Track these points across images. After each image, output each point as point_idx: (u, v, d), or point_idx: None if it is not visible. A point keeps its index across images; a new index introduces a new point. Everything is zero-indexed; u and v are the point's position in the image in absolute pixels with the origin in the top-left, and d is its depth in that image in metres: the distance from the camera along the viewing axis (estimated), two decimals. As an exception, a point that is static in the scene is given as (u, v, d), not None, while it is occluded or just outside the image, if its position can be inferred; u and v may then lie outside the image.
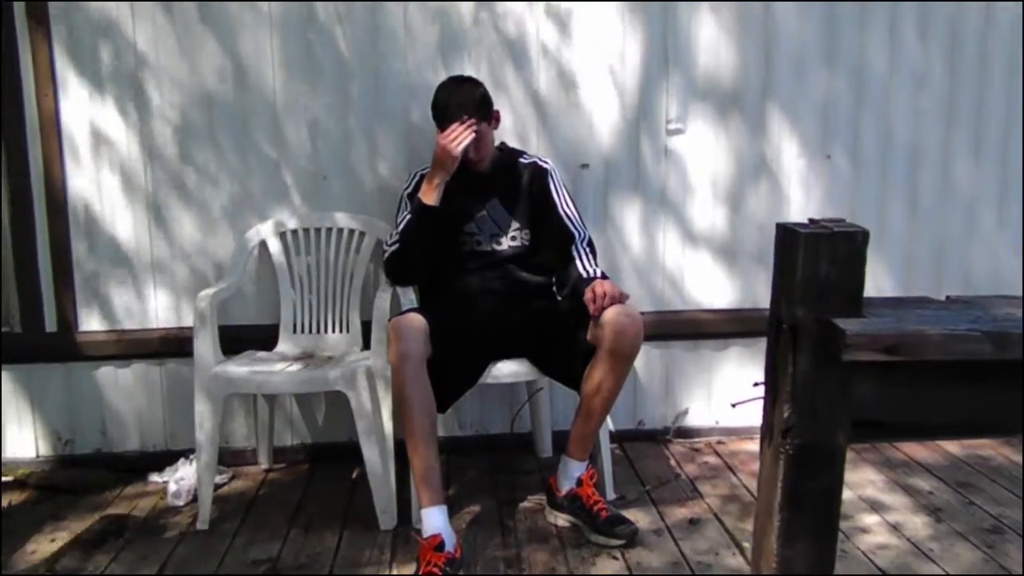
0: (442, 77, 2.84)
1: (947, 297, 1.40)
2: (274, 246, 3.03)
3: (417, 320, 2.46)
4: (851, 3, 3.09)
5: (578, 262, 2.67)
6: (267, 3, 2.95)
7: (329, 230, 3.05)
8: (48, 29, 2.92)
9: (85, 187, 3.02)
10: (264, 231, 3.03)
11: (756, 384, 1.40)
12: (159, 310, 3.10)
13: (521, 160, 2.82)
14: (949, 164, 3.22)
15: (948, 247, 3.26)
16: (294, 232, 3.04)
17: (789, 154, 3.18)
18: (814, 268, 1.25)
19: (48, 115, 2.96)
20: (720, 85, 3.12)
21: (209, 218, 3.06)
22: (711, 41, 3.10)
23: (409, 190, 2.75)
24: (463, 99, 2.63)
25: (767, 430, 1.37)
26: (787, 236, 1.30)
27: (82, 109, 2.98)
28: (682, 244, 3.20)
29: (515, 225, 2.73)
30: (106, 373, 3.11)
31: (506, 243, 2.72)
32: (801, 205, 3.20)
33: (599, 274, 2.64)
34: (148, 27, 2.95)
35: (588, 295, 2.48)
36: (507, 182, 2.76)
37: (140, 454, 3.14)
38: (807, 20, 3.10)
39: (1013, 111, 3.19)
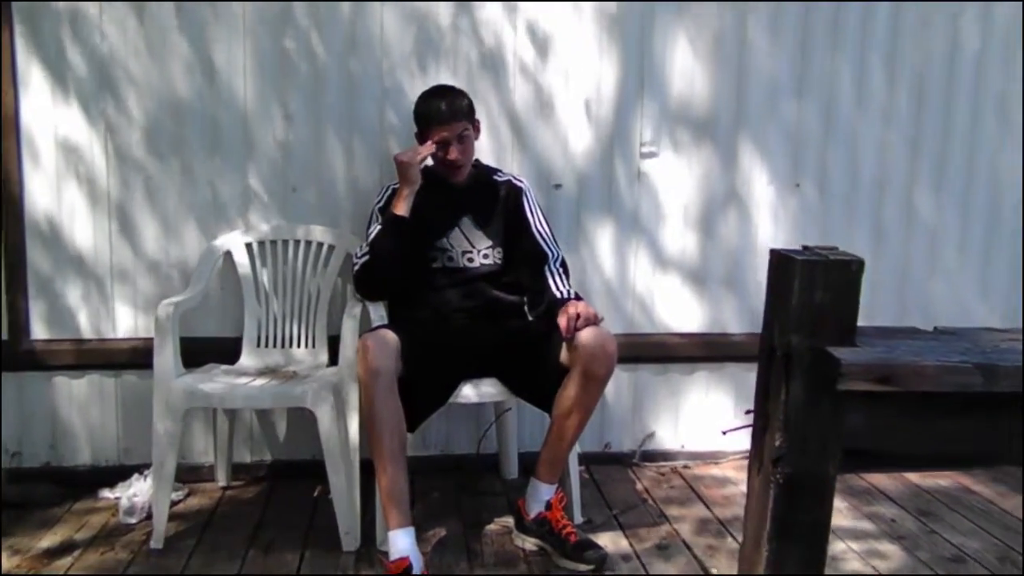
0: (419, 87, 2.81)
1: (935, 328, 1.41)
2: (240, 257, 2.96)
3: (389, 336, 2.42)
4: (823, 35, 3.13)
5: (551, 282, 2.66)
6: (240, 4, 2.90)
7: (297, 242, 2.99)
8: (11, 25, 2.83)
9: (44, 190, 2.92)
10: (230, 241, 2.97)
11: (748, 412, 1.39)
12: (118, 320, 3.00)
13: (495, 177, 2.80)
14: (913, 196, 3.28)
15: (911, 277, 3.31)
16: (261, 243, 2.98)
17: (759, 182, 3.21)
18: (809, 296, 1.25)
19: (7, 114, 2.87)
20: (693, 111, 3.14)
21: (174, 226, 2.98)
22: (686, 68, 3.12)
23: (380, 204, 2.71)
24: (457, 105, 2.64)
25: (756, 458, 1.36)
26: (782, 263, 1.30)
27: (44, 109, 2.89)
28: (653, 267, 3.21)
29: (487, 243, 2.71)
30: (59, 383, 3.00)
31: (478, 260, 2.69)
32: (770, 233, 3.23)
33: (572, 294, 2.62)
34: (117, 28, 2.88)
35: (561, 316, 2.46)
36: (481, 199, 2.74)
37: (91, 469, 3.03)
38: (780, 51, 3.14)
39: (977, 145, 3.26)
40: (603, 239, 3.17)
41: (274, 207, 3.02)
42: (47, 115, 2.89)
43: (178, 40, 2.91)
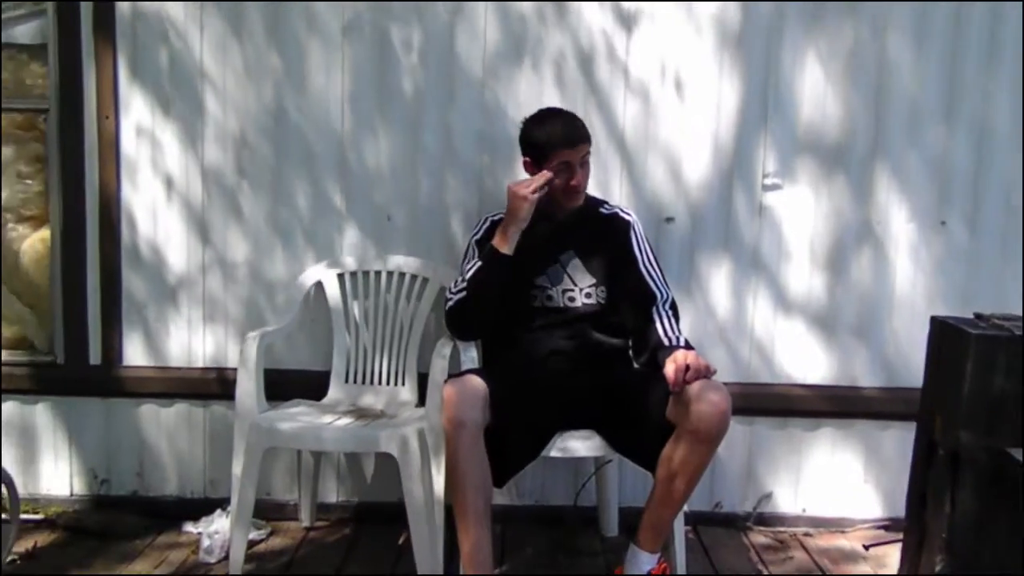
0: (522, 112, 2.62)
1: None
2: (331, 287, 2.83)
3: (476, 383, 2.22)
4: (975, 51, 2.78)
5: (658, 325, 2.41)
6: (339, 26, 2.79)
7: (390, 274, 2.84)
8: (114, 48, 2.81)
9: (140, 215, 2.88)
10: (321, 271, 2.85)
11: (868, 547, 1.10)
12: (207, 347, 2.93)
13: (602, 210, 2.58)
14: (1081, 237, 2.86)
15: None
16: (353, 274, 2.85)
17: (898, 219, 2.87)
18: (987, 381, 0.98)
19: (108, 138, 2.85)
20: (824, 139, 2.84)
21: (266, 253, 2.89)
22: (816, 91, 2.83)
23: (479, 236, 2.53)
24: (579, 125, 2.46)
25: (909, 579, 1.08)
26: (949, 336, 1.03)
27: (144, 134, 2.86)
28: (774, 311, 2.91)
29: (590, 281, 2.48)
30: (147, 411, 2.95)
31: (580, 300, 2.47)
32: (909, 276, 2.88)
33: (682, 342, 2.36)
34: (216, 50, 2.82)
35: (669, 367, 2.21)
36: (585, 233, 2.53)
37: (177, 500, 2.96)
38: (925, 70, 2.81)
39: None
40: (718, 279, 2.89)
41: (368, 236, 2.88)
42: (147, 140, 2.86)
43: (275, 62, 2.82)
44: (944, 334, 1.02)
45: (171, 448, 2.96)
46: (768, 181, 2.86)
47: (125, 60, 2.83)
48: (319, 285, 2.85)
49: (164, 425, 2.95)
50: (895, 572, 2.62)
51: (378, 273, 2.85)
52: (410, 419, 2.56)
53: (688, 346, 2.35)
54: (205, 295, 2.91)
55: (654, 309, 2.43)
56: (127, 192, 2.87)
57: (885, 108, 2.82)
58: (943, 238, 2.87)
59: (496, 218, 2.50)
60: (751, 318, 2.91)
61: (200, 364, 2.94)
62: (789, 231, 2.88)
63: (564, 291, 2.47)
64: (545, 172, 2.40)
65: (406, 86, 2.83)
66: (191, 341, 2.93)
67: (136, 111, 2.84)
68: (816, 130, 2.84)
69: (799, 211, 2.87)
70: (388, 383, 2.82)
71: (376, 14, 2.80)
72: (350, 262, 2.86)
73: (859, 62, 2.81)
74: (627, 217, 2.58)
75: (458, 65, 2.82)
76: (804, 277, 2.90)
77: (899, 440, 2.93)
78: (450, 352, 2.51)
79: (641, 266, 2.50)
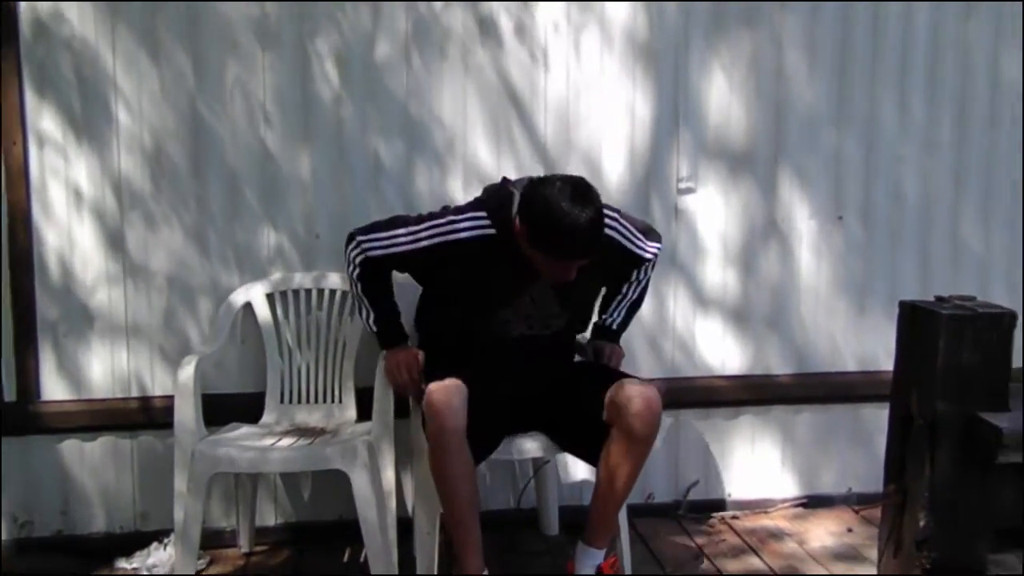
0: (446, 128, 2.66)
1: (1082, 386, 1.26)
2: (262, 308, 2.80)
3: (460, 388, 2.20)
4: (861, 68, 3.02)
5: (623, 294, 2.66)
6: (260, 48, 2.77)
7: (321, 291, 2.83)
8: (20, 74, 2.69)
9: (55, 242, 2.77)
10: (251, 292, 2.81)
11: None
12: (131, 375, 2.83)
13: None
14: (959, 226, 3.15)
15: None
16: (283, 293, 2.82)
17: (801, 216, 3.08)
18: (957, 355, 1.11)
19: (16, 166, 2.72)
20: (731, 144, 3.02)
21: (189, 273, 2.82)
22: (722, 99, 3.00)
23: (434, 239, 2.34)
24: (599, 241, 2.22)
25: (893, 541, 1.20)
26: (921, 318, 1.15)
27: (55, 157, 2.74)
28: (693, 307, 3.06)
29: (557, 311, 2.40)
30: (70, 446, 2.82)
31: (538, 329, 2.41)
32: (813, 268, 3.09)
33: (624, 325, 2.66)
34: (129, 65, 2.74)
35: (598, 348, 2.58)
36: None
37: (106, 536, 2.84)
38: (818, 79, 3.03)
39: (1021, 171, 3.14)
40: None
41: (297, 255, 2.86)
42: (58, 163, 2.75)
43: (195, 84, 2.77)
44: (915, 316, 1.14)
45: (97, 483, 2.85)
46: (682, 185, 3.01)
47: (32, 82, 2.71)
48: (248, 306, 2.81)
49: (89, 459, 2.84)
50: (816, 545, 2.83)
51: (308, 291, 2.83)
52: (355, 434, 2.56)
53: (619, 331, 2.65)
54: (127, 320, 2.82)
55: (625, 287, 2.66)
56: (38, 217, 2.75)
57: (784, 113, 3.03)
58: (841, 232, 3.10)
59: (466, 236, 2.31)
60: (672, 315, 3.05)
61: (124, 393, 2.84)
62: (703, 231, 3.04)
63: (526, 319, 2.39)
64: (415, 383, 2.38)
65: (328, 97, 2.83)
66: (114, 369, 2.83)
67: (46, 133, 2.73)
68: (723, 136, 3.01)
69: (711, 212, 3.04)
70: (325, 400, 2.80)
71: (296, 24, 2.79)
72: (279, 281, 2.83)
73: (759, 71, 3.00)
74: (624, 244, 2.46)
75: (381, 75, 2.84)
76: (719, 273, 3.07)
77: (811, 423, 3.14)
78: (393, 365, 2.52)
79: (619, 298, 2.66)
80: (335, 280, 2.83)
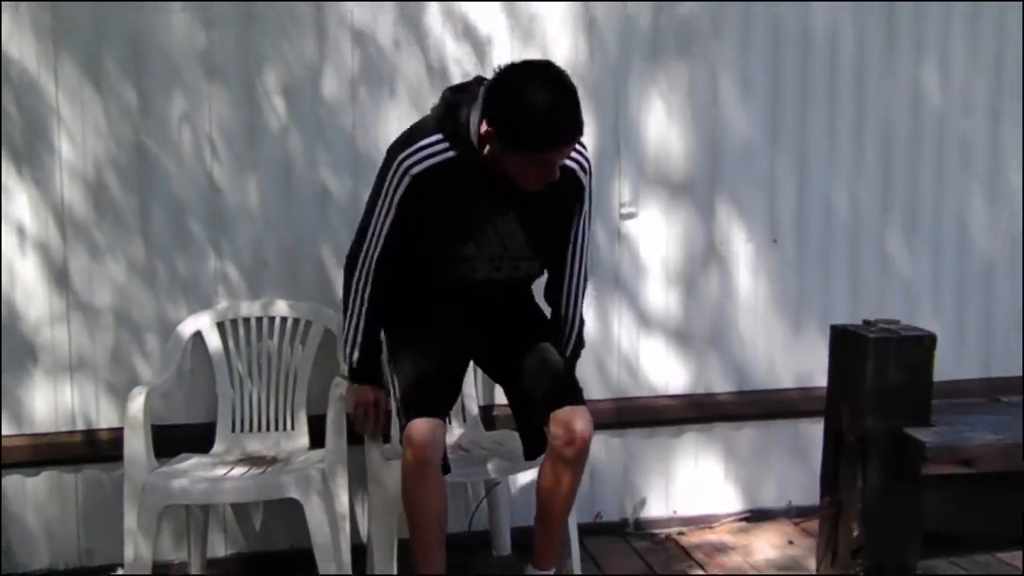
0: (397, 127, 2.70)
1: (998, 399, 1.36)
2: (211, 337, 2.80)
3: (440, 427, 2.19)
4: (792, 95, 3.16)
5: (563, 317, 2.42)
6: (206, 79, 2.79)
7: (272, 319, 2.84)
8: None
9: (-5, 277, 2.74)
10: (199, 321, 2.80)
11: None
12: (75, 407, 2.80)
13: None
14: (886, 247, 3.30)
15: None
16: (233, 321, 2.82)
17: (738, 238, 3.19)
18: (883, 376, 1.19)
19: (-46, 196, 2.69)
20: (670, 170, 3.13)
21: (134, 303, 2.81)
22: (660, 127, 3.11)
23: (401, 193, 2.15)
24: (581, 119, 2.03)
25: (829, 550, 1.28)
26: (850, 341, 1.24)
27: (-6, 190, 2.72)
28: (637, 327, 3.15)
29: (526, 251, 2.20)
30: (11, 482, 2.78)
31: (506, 271, 2.22)
32: (751, 288, 3.21)
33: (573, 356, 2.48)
34: (75, 102, 2.74)
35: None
36: (533, 194, 2.13)
37: (49, 573, 2.80)
38: (751, 107, 3.15)
39: (943, 193, 3.31)
40: (586, 301, 3.09)
41: (245, 284, 2.87)
42: (-2, 195, 2.72)
43: (140, 115, 2.77)
44: (844, 339, 1.23)
45: (40, 519, 2.80)
46: (624, 210, 3.11)
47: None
48: (197, 335, 2.80)
49: (31, 495, 2.79)
50: (759, 558, 2.92)
51: (259, 319, 2.84)
52: (308, 462, 2.58)
53: (577, 345, 2.48)
54: (71, 351, 2.79)
55: (562, 301, 2.41)
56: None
57: (720, 140, 3.15)
58: (776, 254, 3.22)
59: (416, 171, 2.11)
60: (617, 335, 3.13)
61: (69, 427, 2.80)
62: (645, 254, 3.14)
63: (492, 259, 2.19)
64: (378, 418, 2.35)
65: (274, 125, 2.86)
66: (57, 402, 2.79)
67: (-15, 169, 2.71)
68: (663, 162, 3.12)
69: (653, 236, 3.14)
70: (277, 428, 2.81)
71: (242, 56, 2.81)
72: (227, 310, 2.84)
73: (695, 99, 3.12)
74: (583, 178, 2.23)
75: (326, 103, 2.88)
76: (661, 295, 3.16)
77: (752, 439, 3.25)
78: (344, 391, 2.55)
79: (576, 247, 2.34)
80: (283, 307, 2.85)
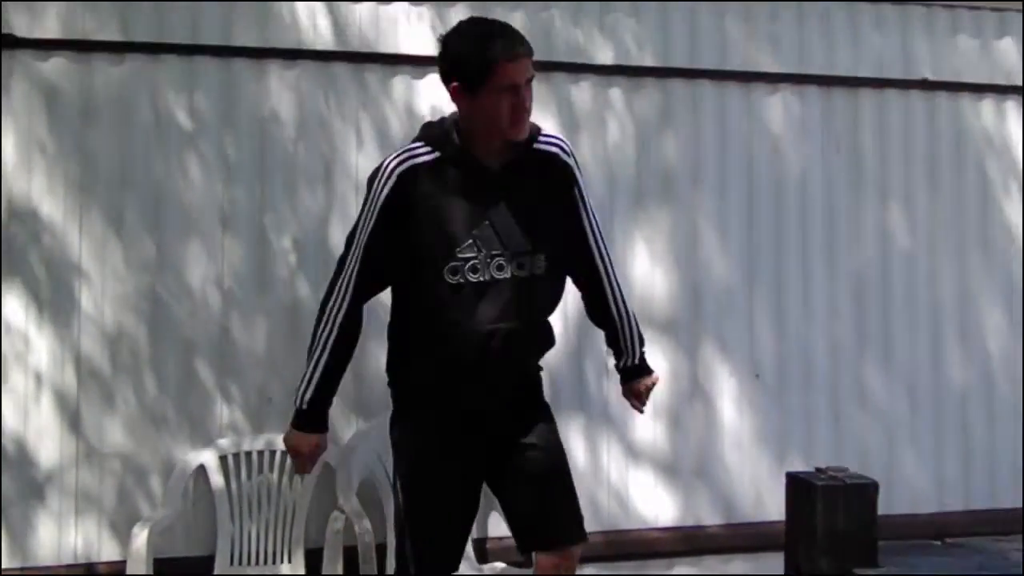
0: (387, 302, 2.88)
1: (944, 542, 1.48)
2: (213, 471, 2.90)
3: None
4: (767, 240, 3.38)
5: (617, 324, 2.26)
6: (220, 228, 3.01)
7: (273, 453, 2.96)
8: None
9: (9, 414, 2.87)
10: (203, 456, 2.92)
11: None
12: (78, 543, 2.88)
13: (537, 145, 2.08)
14: (864, 383, 3.44)
15: (869, 461, 3.41)
16: (235, 455, 2.94)
17: (722, 374, 3.34)
18: (833, 518, 1.32)
19: (-21, 337, 2.86)
20: (655, 310, 3.31)
21: (141, 441, 2.94)
22: (645, 271, 3.31)
23: (386, 195, 2.03)
24: (523, 37, 1.99)
25: None
26: (801, 488, 1.37)
27: (16, 332, 2.89)
28: (625, 460, 3.26)
29: (525, 247, 2.06)
30: (18, 617, 2.83)
31: (510, 270, 2.05)
32: (735, 422, 3.34)
33: (638, 357, 2.32)
34: (95, 246, 2.95)
35: (636, 390, 2.28)
36: (520, 181, 2.05)
37: None
38: (729, 252, 3.37)
39: (916, 339, 3.48)
40: (575, 434, 3.21)
41: (250, 420, 3.00)
42: (20, 339, 2.88)
43: (153, 254, 2.98)
44: (797, 486, 1.36)
45: (38, 653, 2.84)
46: (612, 347, 3.26)
47: (4, 265, 2.88)
48: (200, 469, 2.91)
49: (32, 631, 2.84)
50: None
51: (260, 453, 2.95)
52: (304, 596, 2.64)
53: (643, 362, 2.34)
54: (77, 491, 2.89)
55: (609, 302, 2.25)
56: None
57: (702, 283, 3.34)
58: (759, 388, 3.36)
59: (402, 169, 2.03)
60: (607, 468, 3.24)
61: (69, 560, 2.87)
62: (633, 389, 3.28)
63: (492, 257, 2.05)
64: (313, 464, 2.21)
65: (283, 273, 3.05)
66: (60, 538, 2.87)
67: (9, 312, 2.88)
68: (648, 301, 3.30)
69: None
70: (274, 562, 2.88)
71: (253, 208, 3.04)
72: (231, 444, 2.95)
73: (677, 244, 3.33)
74: (566, 159, 2.11)
75: (333, 253, 3.07)
76: (649, 428, 3.28)
77: (741, 570, 3.30)
78: (342, 526, 2.64)
79: (591, 240, 2.17)
80: (279, 442, 2.95)
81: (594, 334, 3.22)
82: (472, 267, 2.04)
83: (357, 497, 2.83)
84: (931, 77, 3.55)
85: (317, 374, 2.14)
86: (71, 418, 2.90)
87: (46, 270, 2.91)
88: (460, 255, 2.03)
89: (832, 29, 3.50)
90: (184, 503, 2.88)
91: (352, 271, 2.11)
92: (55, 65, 2.95)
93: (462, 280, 2.04)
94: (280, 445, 2.91)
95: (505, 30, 2.01)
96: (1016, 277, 3.57)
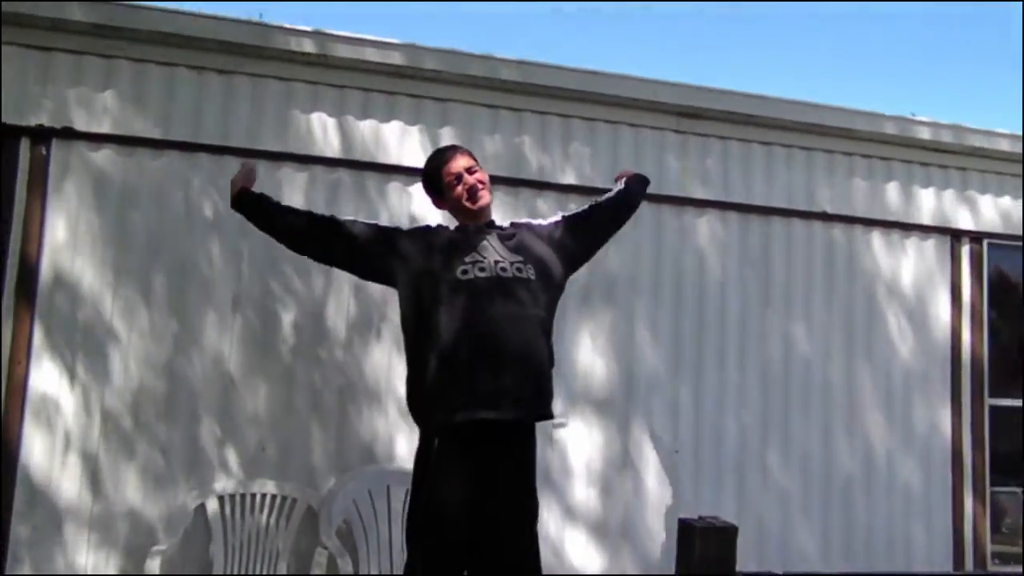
0: (374, 373, 3.44)
1: None
2: (212, 510, 3.39)
3: None
4: (690, 339, 4.04)
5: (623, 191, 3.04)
6: (232, 288, 3.55)
7: (264, 496, 3.46)
8: (32, 309, 3.37)
9: (37, 454, 3.33)
10: (204, 496, 3.40)
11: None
12: (90, 564, 3.32)
13: (503, 225, 2.71)
14: (767, 463, 4.08)
15: (767, 528, 4.04)
16: (232, 496, 3.43)
17: (647, 448, 3.96)
18: (707, 552, 1.92)
19: (16, 383, 3.33)
20: (594, 392, 3.92)
21: (153, 498, 3.40)
22: (588, 359, 3.93)
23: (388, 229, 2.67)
24: (457, 147, 2.72)
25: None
26: (686, 530, 1.97)
27: (52, 380, 3.37)
28: (562, 518, 3.82)
29: (518, 258, 2.56)
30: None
31: (511, 271, 2.53)
32: (657, 490, 3.93)
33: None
34: (124, 312, 3.46)
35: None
36: (502, 235, 2.64)
37: None
38: (658, 347, 4.02)
39: (811, 425, 4.15)
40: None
41: (244, 465, 3.51)
42: (54, 384, 3.37)
43: (172, 320, 3.50)
44: (685, 529, 1.96)
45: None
46: (556, 421, 3.85)
47: (41, 321, 3.38)
48: (201, 508, 3.40)
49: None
50: None
51: (254, 496, 3.45)
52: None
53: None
54: (91, 521, 3.34)
55: (616, 201, 3.02)
56: (28, 431, 3.33)
57: (635, 371, 3.97)
58: (678, 461, 3.98)
59: (415, 225, 2.76)
60: (546, 524, 3.80)
61: (81, 583, 3.32)
62: (572, 457, 3.87)
63: (496, 261, 2.52)
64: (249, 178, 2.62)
65: (284, 346, 3.60)
66: (75, 567, 3.31)
67: (46, 366, 3.37)
68: (589, 385, 3.92)
69: (579, 443, 3.88)
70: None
71: (262, 291, 3.61)
72: (227, 486, 3.45)
73: (616, 338, 3.97)
74: (533, 222, 2.77)
75: (327, 333, 3.65)
76: (583, 492, 3.86)
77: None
78: (326, 561, 3.15)
79: (579, 210, 2.90)
80: (272, 486, 3.47)
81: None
82: (479, 267, 2.50)
83: (337, 536, 3.34)
84: (830, 211, 4.30)
85: (270, 205, 2.61)
86: (91, 475, 3.37)
87: (81, 335, 3.41)
88: (460, 266, 2.50)
89: (751, 166, 4.23)
90: (186, 537, 3.35)
91: (341, 219, 2.63)
92: (104, 156, 3.51)
93: (470, 277, 2.50)
94: (270, 489, 3.45)
95: (446, 146, 2.73)
96: (895, 381, 4.28)
